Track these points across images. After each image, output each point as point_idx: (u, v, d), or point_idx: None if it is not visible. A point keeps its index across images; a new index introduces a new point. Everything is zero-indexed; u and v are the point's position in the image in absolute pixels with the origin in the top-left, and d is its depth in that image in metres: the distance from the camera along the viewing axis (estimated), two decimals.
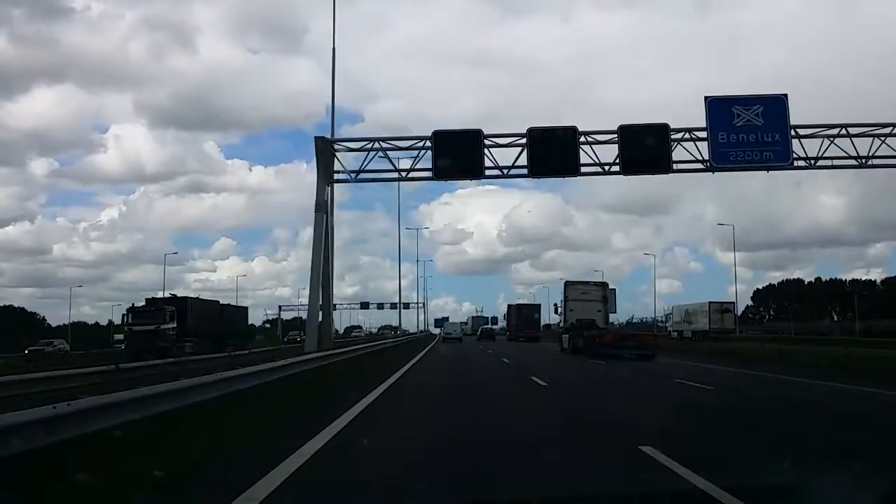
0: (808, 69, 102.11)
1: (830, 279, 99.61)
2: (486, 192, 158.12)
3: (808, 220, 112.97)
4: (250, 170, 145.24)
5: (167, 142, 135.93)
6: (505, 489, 5.83)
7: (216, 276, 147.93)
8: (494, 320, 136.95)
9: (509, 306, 73.98)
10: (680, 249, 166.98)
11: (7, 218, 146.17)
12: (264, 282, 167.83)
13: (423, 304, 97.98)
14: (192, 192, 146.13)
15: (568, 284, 38.33)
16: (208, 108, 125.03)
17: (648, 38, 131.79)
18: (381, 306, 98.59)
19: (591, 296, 37.82)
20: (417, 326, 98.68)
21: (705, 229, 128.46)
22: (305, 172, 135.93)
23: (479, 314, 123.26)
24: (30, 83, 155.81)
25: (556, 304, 40.47)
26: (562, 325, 38.52)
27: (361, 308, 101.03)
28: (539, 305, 70.97)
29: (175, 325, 35.71)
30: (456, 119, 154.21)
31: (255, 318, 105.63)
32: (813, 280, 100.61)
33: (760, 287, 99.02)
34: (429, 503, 5.51)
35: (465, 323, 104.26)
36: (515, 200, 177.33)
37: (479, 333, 76.31)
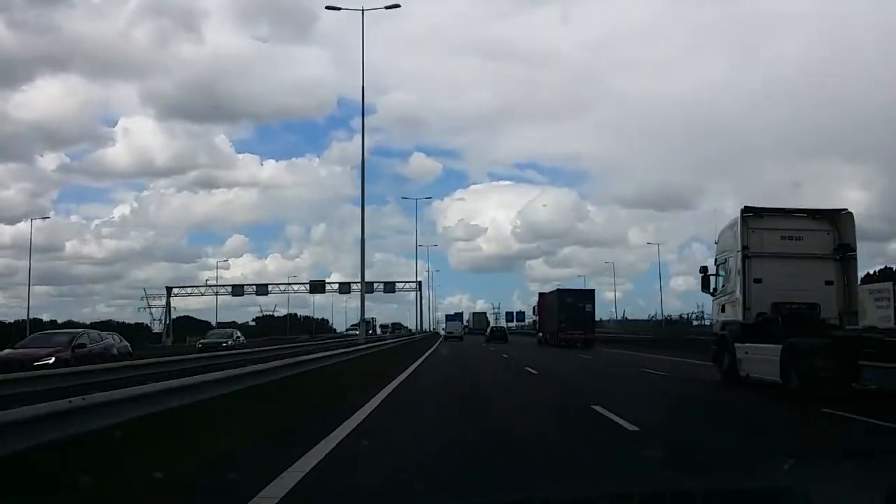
0: (833, 57, 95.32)
1: None
2: (500, 188, 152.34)
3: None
4: (262, 164, 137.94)
5: (177, 135, 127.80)
6: None
7: (229, 273, 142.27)
8: (520, 316, 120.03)
9: (542, 295, 51.21)
10: (698, 245, 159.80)
11: (19, 214, 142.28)
12: (277, 279, 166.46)
13: (419, 284, 72.76)
14: (204, 188, 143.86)
15: (750, 216, 15.10)
16: (217, 99, 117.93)
17: (669, 25, 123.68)
18: (344, 288, 73.24)
19: (807, 244, 14.90)
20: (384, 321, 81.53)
21: (724, 225, 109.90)
22: (317, 167, 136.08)
23: (490, 310, 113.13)
24: (34, 73, 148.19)
25: (704, 270, 16.96)
26: (723, 315, 15.67)
27: (312, 292, 77.31)
28: (592, 291, 47.15)
29: None
30: (471, 112, 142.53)
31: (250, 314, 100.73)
32: None
33: (873, 272, 74.49)
34: None
35: (468, 322, 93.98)
36: (530, 196, 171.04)
37: (488, 333, 60.84)
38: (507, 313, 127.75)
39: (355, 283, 70.91)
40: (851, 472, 6.21)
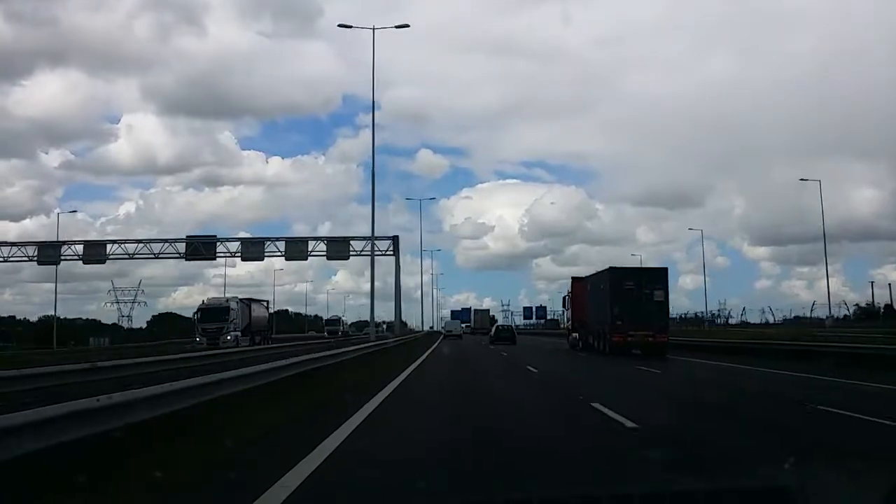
0: (843, 54, 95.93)
1: None
2: (507, 187, 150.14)
3: (840, 213, 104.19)
4: (267, 161, 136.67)
5: (181, 132, 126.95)
6: None
7: (235, 271, 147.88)
8: (541, 311, 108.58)
9: (578, 281, 35.51)
10: (706, 244, 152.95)
11: (23, 211, 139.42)
12: (283, 277, 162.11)
13: (394, 242, 50.33)
14: (209, 185, 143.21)
15: None
16: (221, 95, 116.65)
17: (677, 21, 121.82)
18: (251, 251, 50.18)
19: None
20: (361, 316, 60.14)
21: (732, 223, 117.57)
22: (323, 165, 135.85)
23: (499, 308, 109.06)
24: (34, 67, 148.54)
25: None
26: None
27: (190, 257, 51.64)
28: (664, 272, 30.43)
29: None
30: (477, 109, 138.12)
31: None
32: None
33: None
34: None
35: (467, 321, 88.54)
36: (537, 194, 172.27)
37: (492, 333, 50.77)
38: (526, 308, 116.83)
39: (275, 240, 50.45)
40: None
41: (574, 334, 36.13)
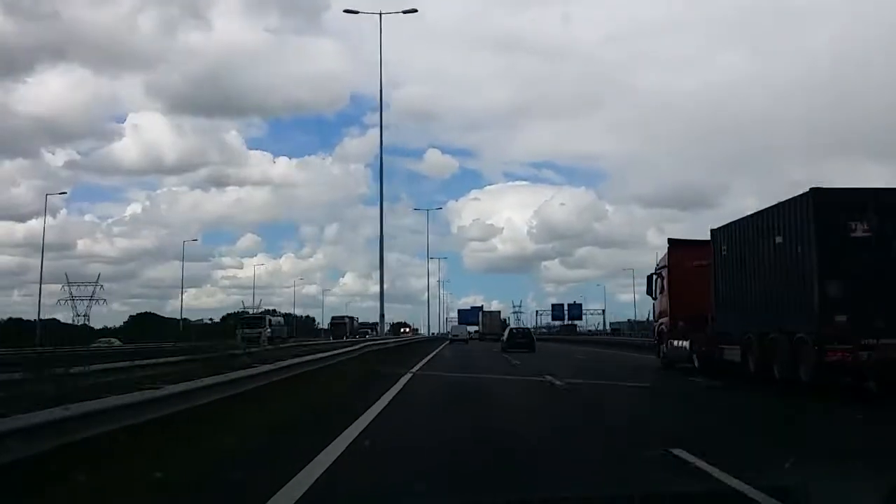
0: (858, 52, 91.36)
1: None
2: (515, 188, 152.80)
3: None
4: (274, 161, 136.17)
5: (186, 131, 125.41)
6: None
7: (243, 272, 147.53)
8: (575, 310, 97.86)
9: (684, 246, 19.89)
10: None
11: (30, 212, 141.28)
12: (288, 279, 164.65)
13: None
14: (215, 185, 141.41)
15: None
16: (226, 94, 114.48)
17: (689, 18, 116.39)
18: None
19: None
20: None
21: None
22: (330, 165, 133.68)
23: (509, 310, 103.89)
24: (35, 64, 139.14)
25: None
26: None
27: None
28: None
29: None
30: (485, 109, 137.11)
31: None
32: None
33: None
34: None
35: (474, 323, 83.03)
36: (546, 195, 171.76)
37: (505, 339, 43.66)
38: (555, 306, 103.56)
39: None
40: None
41: (679, 342, 19.78)
